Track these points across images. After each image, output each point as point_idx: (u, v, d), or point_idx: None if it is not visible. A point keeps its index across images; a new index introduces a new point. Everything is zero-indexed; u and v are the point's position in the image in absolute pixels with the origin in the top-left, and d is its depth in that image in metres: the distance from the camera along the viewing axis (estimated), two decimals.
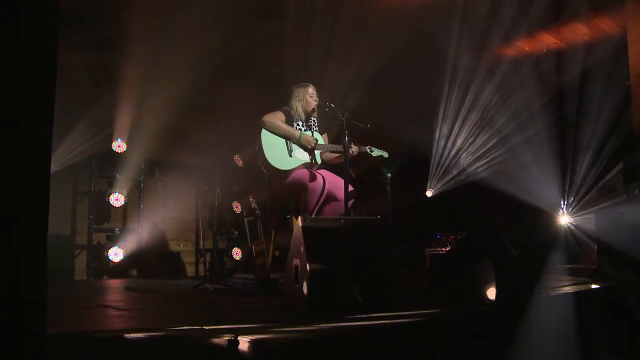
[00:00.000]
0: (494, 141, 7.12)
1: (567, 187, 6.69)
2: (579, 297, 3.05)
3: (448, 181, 7.12)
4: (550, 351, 2.48)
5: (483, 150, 7.17)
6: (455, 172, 7.16)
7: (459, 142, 7.20)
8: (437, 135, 7.14)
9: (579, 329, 2.73)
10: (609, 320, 2.90)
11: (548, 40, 6.55)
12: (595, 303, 3.18)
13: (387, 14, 5.77)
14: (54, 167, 5.16)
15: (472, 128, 7.19)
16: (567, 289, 3.24)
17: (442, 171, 7.17)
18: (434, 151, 7.16)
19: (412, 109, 6.44)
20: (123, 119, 5.75)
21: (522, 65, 6.69)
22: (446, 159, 7.21)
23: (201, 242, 6.50)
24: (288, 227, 4.12)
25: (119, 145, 5.69)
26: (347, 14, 5.75)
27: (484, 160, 7.16)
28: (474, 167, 7.14)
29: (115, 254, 5.52)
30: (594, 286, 3.46)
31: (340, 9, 5.71)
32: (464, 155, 7.20)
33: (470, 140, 7.21)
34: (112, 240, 5.65)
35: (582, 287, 3.37)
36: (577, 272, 4.61)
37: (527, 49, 6.74)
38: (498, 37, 6.16)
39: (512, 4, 5.65)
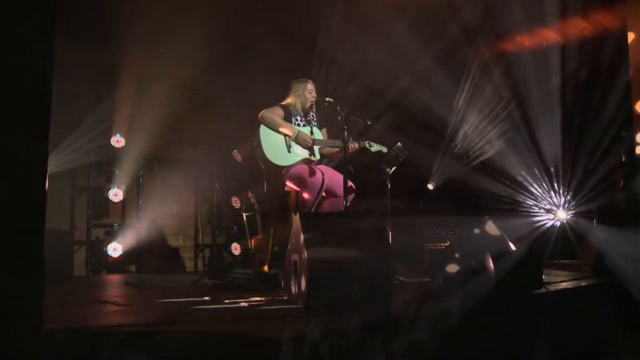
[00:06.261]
0: (493, 135, 7.14)
1: (565, 182, 6.69)
2: (577, 293, 3.06)
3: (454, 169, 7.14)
4: (549, 347, 2.49)
5: (485, 141, 7.19)
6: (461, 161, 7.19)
7: (462, 133, 7.23)
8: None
9: (576, 324, 2.73)
10: (607, 316, 2.91)
11: (548, 36, 6.54)
12: (593, 299, 3.18)
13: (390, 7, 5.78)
14: (53, 167, 5.15)
15: (474, 120, 7.21)
16: (565, 285, 3.24)
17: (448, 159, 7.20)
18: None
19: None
20: (122, 114, 5.74)
21: (522, 58, 6.69)
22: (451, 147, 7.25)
23: (200, 237, 6.50)
24: (287, 223, 4.12)
25: (117, 141, 5.69)
26: (348, 6, 5.74)
27: (485, 154, 7.18)
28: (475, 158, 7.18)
29: (114, 250, 5.52)
30: (592, 282, 3.46)
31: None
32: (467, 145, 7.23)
33: (472, 132, 7.24)
34: (111, 236, 5.66)
35: (580, 283, 3.38)
36: (575, 267, 4.62)
37: (526, 44, 6.73)
38: (499, 31, 6.16)
39: None
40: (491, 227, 3.18)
